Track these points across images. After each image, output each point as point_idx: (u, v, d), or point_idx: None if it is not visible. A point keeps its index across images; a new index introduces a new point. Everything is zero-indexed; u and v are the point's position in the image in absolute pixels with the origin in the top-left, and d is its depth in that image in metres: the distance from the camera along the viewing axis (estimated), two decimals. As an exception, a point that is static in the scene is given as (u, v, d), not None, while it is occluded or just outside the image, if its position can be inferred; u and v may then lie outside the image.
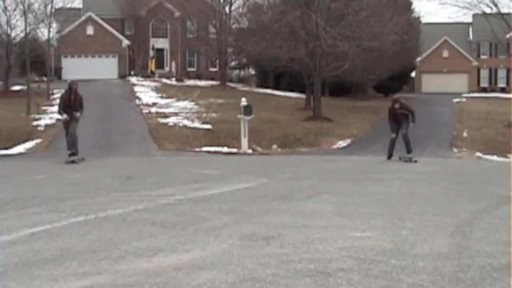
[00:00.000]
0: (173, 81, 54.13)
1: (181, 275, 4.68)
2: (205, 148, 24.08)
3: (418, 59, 64.60)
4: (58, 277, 4.68)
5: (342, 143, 28.29)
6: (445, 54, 69.11)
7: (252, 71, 66.75)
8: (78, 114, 16.74)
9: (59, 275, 4.75)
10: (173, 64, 59.40)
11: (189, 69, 61.38)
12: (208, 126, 29.52)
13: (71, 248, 5.65)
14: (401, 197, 9.53)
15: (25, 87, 38.69)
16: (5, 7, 40.14)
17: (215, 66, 59.80)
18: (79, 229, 6.63)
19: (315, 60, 35.80)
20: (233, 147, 24.26)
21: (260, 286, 4.41)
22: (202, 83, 54.54)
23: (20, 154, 22.15)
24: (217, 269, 4.84)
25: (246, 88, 53.57)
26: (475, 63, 68.67)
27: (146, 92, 44.63)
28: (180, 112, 34.70)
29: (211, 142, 25.74)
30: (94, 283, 4.52)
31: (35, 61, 42.72)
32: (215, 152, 22.95)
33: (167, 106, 37.29)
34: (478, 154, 24.49)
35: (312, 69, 36.34)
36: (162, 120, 31.19)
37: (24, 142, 24.52)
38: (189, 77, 57.96)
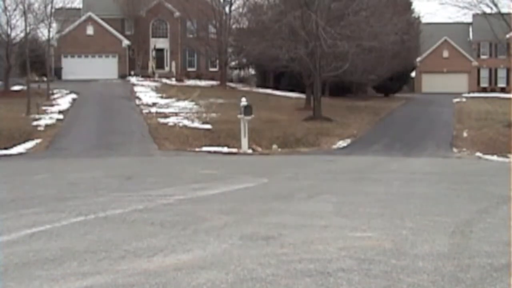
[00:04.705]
0: (173, 81, 54.08)
1: (181, 275, 4.67)
2: (205, 148, 24.09)
3: (418, 59, 64.51)
4: (58, 277, 4.68)
5: (342, 143, 28.28)
6: (445, 54, 69.00)
7: (252, 71, 66.67)
8: None
9: (59, 275, 4.74)
10: (173, 64, 59.35)
11: (189, 69, 61.29)
12: (208, 126, 29.50)
13: (71, 248, 5.65)
14: (401, 197, 9.52)
15: (25, 87, 38.65)
16: (5, 7, 40.15)
17: (215, 66, 59.73)
18: (79, 229, 6.62)
19: (315, 60, 35.78)
20: (233, 147, 24.27)
21: (260, 286, 4.41)
22: (202, 83, 54.48)
23: (20, 154, 22.17)
24: (217, 269, 4.84)
25: (246, 88, 53.52)
26: (475, 63, 68.59)
27: (146, 92, 44.59)
28: (180, 112, 34.67)
29: (211, 142, 25.73)
30: (94, 283, 4.51)
31: (35, 61, 42.66)
32: (215, 152, 22.97)
33: (167, 106, 37.25)
34: (478, 154, 24.49)
35: (312, 69, 36.31)
36: (162, 120, 31.17)
37: (24, 142, 24.51)
38: (189, 77, 57.87)
